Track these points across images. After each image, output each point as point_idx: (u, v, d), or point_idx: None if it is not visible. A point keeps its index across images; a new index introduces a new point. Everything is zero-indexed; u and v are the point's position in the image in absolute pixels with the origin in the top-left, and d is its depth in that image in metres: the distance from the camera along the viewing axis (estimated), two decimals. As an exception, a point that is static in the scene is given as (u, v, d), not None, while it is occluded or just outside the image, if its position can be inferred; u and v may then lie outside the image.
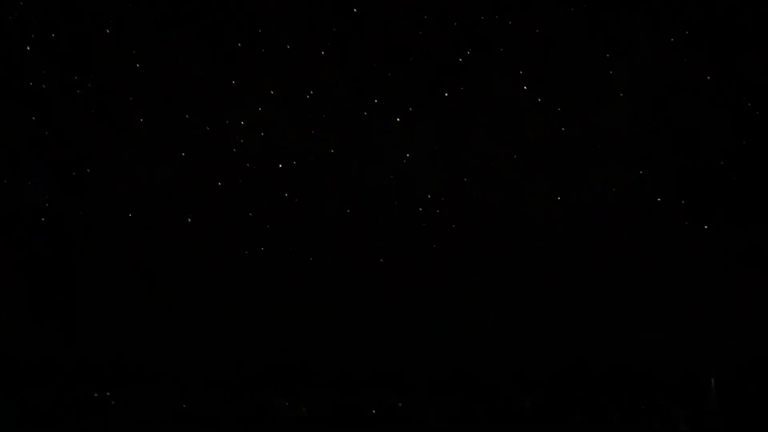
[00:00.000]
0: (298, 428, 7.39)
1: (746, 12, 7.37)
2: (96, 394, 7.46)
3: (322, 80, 7.60)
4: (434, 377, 7.60)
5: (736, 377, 7.37)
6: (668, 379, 7.45)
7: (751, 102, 7.42)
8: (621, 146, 7.57)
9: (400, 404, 7.44)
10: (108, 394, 7.43)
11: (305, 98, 7.61)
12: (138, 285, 7.67)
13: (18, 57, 7.55)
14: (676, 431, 7.20)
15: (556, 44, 7.53)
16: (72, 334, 7.60)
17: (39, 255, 7.66)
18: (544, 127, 7.60)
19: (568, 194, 7.60)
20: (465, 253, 7.65)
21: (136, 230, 7.65)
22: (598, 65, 7.53)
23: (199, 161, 7.63)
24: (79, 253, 7.70)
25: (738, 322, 7.41)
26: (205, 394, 7.53)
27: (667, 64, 7.49)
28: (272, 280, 7.67)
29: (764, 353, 7.35)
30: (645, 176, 7.53)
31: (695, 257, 7.49)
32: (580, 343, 7.55)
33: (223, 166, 7.66)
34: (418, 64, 7.58)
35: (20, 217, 7.66)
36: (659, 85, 7.51)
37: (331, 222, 7.66)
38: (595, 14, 7.48)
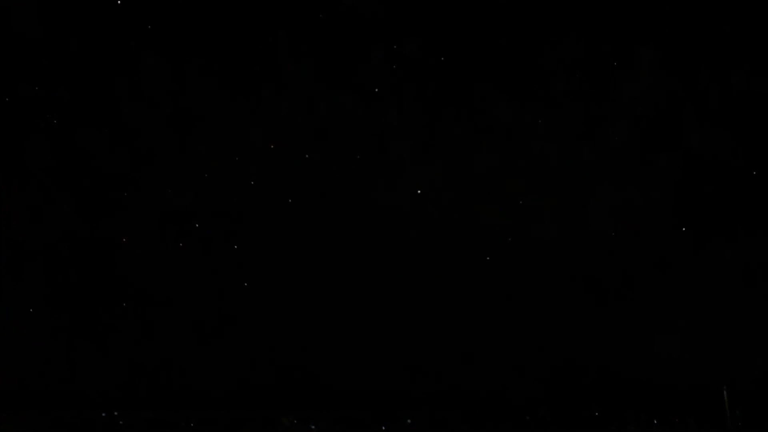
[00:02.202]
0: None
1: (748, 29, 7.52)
2: (103, 414, 7.39)
3: (337, 106, 7.77)
4: (444, 394, 7.53)
5: (751, 388, 7.28)
6: (683, 391, 7.37)
7: (754, 119, 7.53)
8: (627, 165, 7.67)
9: (409, 420, 7.37)
10: (115, 414, 7.36)
11: (321, 124, 7.78)
12: (150, 306, 7.70)
13: (49, 91, 7.74)
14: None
15: (559, 69, 7.70)
16: (87, 354, 7.58)
17: (65, 277, 7.70)
18: (549, 148, 7.71)
19: (579, 211, 7.68)
20: (477, 269, 7.69)
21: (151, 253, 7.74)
22: (599, 87, 7.68)
23: (218, 185, 7.76)
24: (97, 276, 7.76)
25: (752, 334, 7.38)
26: (213, 413, 7.45)
27: (669, 83, 7.63)
28: (283, 300, 7.70)
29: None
30: (657, 194, 7.63)
31: (707, 271, 7.51)
32: (595, 357, 7.51)
33: (243, 189, 7.78)
34: (428, 89, 7.77)
35: (47, 240, 7.72)
36: (661, 105, 7.64)
37: (345, 242, 7.71)
38: (597, 39, 7.66)
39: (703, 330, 7.43)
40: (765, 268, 7.43)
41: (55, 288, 7.62)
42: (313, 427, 7.33)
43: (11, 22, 7.62)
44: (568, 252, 7.63)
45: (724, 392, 7.21)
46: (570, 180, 7.68)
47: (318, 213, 7.73)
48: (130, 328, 7.60)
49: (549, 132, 7.71)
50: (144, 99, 7.72)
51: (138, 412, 7.39)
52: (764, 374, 7.27)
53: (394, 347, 7.55)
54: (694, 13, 7.56)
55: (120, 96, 7.71)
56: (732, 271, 7.47)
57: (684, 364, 7.40)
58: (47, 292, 7.60)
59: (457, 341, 7.57)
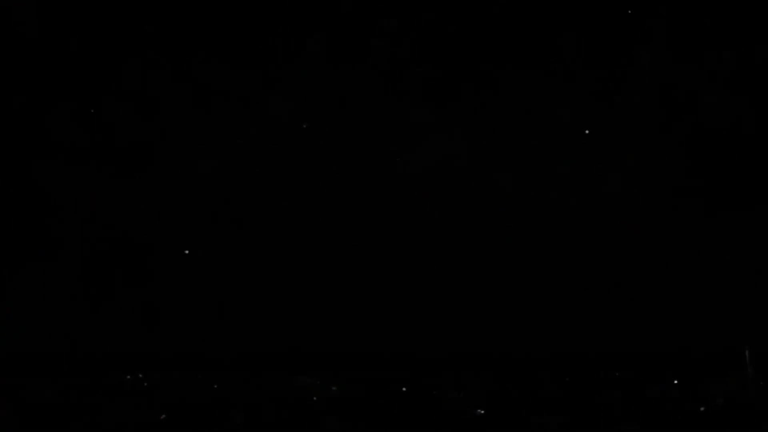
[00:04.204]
0: (327, 407, 7.34)
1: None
2: (128, 377, 7.50)
3: (351, 81, 7.90)
4: (465, 356, 7.59)
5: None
6: (702, 355, 7.37)
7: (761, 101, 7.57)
8: (631, 143, 7.72)
9: (426, 379, 7.41)
10: (140, 376, 7.47)
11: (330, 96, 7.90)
12: (169, 271, 7.85)
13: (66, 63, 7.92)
14: (713, 404, 7.07)
15: (576, 39, 7.78)
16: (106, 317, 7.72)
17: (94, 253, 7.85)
18: (561, 126, 7.80)
19: (589, 188, 7.74)
20: (487, 242, 7.77)
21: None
22: (611, 65, 7.73)
23: (234, 156, 7.90)
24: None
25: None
26: (231, 373, 7.53)
27: (679, 67, 7.66)
28: (297, 261, 7.83)
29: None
30: (659, 171, 7.67)
31: (728, 237, 7.55)
32: (612, 325, 7.55)
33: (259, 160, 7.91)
34: (436, 67, 7.86)
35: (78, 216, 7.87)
36: (672, 87, 7.67)
37: (357, 211, 7.81)
38: (608, 18, 7.75)
39: (724, 295, 7.45)
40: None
41: (71, 253, 7.78)
42: (334, 388, 7.39)
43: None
44: (584, 219, 7.70)
45: (747, 354, 7.22)
46: (581, 159, 7.77)
47: (335, 185, 7.85)
48: (153, 291, 7.77)
49: (566, 101, 7.79)
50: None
51: (162, 373, 7.50)
52: None
53: (416, 313, 7.66)
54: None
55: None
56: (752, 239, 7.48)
57: (705, 330, 7.43)
58: (65, 258, 7.77)
59: (471, 307, 7.65)
